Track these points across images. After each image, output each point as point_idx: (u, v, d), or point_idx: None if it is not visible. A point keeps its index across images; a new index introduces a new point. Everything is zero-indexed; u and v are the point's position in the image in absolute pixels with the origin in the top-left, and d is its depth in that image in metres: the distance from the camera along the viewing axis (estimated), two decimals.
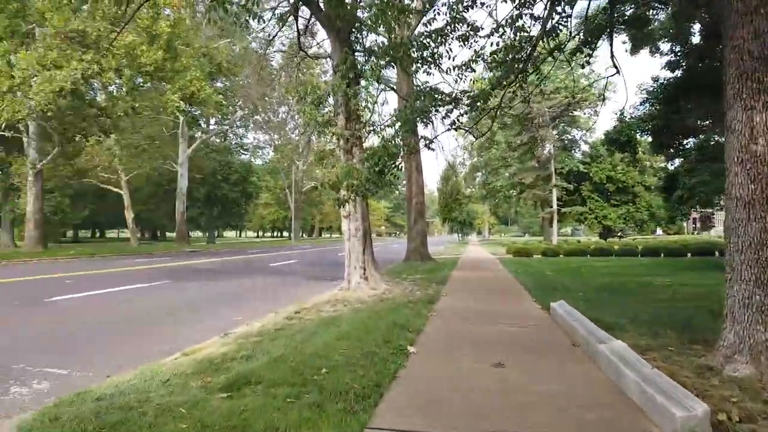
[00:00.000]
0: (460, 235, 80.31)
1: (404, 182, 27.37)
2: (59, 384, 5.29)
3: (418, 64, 7.72)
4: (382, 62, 7.36)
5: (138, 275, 16.28)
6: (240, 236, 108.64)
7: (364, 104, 10.94)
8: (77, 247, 35.61)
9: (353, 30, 11.95)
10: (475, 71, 6.99)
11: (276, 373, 4.80)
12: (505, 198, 54.78)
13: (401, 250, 26.75)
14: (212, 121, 50.58)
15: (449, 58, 7.25)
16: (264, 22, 11.20)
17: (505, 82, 6.41)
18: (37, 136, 28.06)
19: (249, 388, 4.45)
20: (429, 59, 7.08)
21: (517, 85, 6.64)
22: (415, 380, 4.78)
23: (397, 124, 6.77)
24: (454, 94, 6.84)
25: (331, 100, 12.19)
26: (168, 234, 71.81)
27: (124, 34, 21.05)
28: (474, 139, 57.15)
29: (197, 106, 27.52)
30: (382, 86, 14.42)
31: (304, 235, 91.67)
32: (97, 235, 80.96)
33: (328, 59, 14.68)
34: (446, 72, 7.02)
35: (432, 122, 7.07)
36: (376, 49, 10.21)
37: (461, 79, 7.01)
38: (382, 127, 7.33)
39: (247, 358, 5.52)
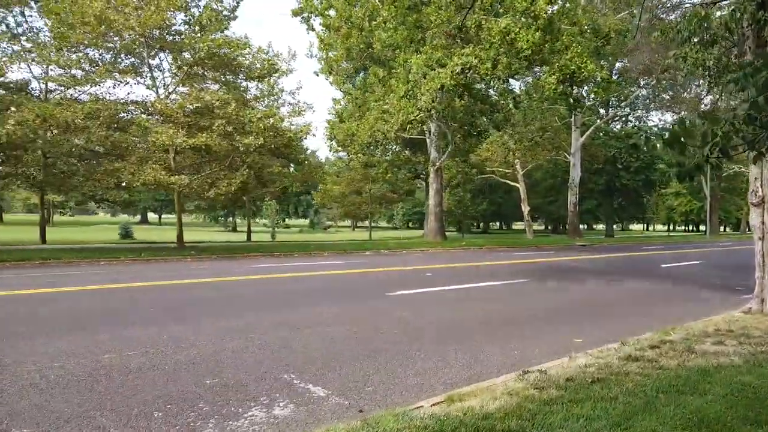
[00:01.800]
0: None
1: None
2: (302, 412, 4.32)
3: None
4: None
5: (502, 270, 15.28)
6: (647, 230, 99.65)
7: None
8: (470, 239, 37.85)
9: None
10: None
11: None
12: None
13: None
14: (608, 103, 46.92)
15: None
16: None
17: None
18: (436, 136, 30.66)
19: None
20: None
21: None
22: None
23: None
24: None
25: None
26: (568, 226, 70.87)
27: (498, 20, 20.51)
28: None
29: (579, 86, 25.13)
30: None
31: (727, 229, 77.52)
32: (504, 227, 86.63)
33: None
34: None
35: None
36: None
37: None
38: None
39: None
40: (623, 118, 52.35)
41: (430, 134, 31.33)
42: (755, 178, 8.34)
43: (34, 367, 5.27)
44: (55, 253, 17.84)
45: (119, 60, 22.87)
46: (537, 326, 7.41)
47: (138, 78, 21.73)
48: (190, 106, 19.42)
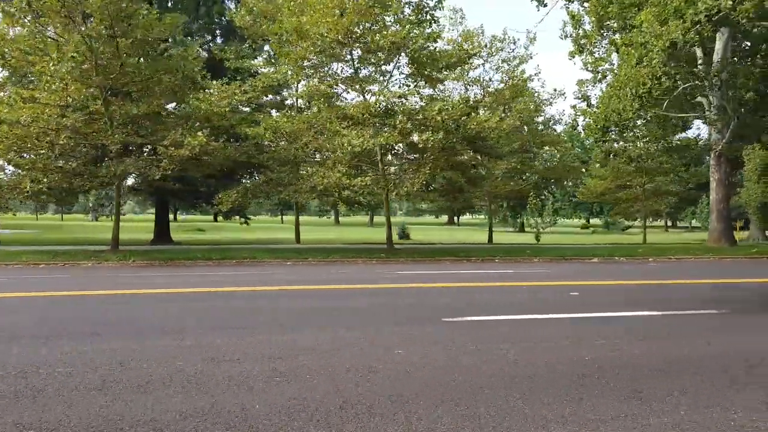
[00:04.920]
0: None
1: None
2: None
3: None
4: None
5: (722, 294, 10.43)
6: None
7: None
8: None
9: None
10: None
11: None
12: None
13: None
14: None
15: None
16: None
17: None
18: (715, 113, 23.63)
19: None
20: None
21: None
22: None
23: None
24: None
25: None
26: None
27: None
28: None
29: None
30: None
31: None
32: None
33: None
34: None
35: None
36: None
37: None
38: None
39: None
40: None
41: (709, 109, 24.37)
42: None
43: None
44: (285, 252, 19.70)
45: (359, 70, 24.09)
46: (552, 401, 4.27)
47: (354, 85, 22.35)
48: (381, 105, 19.13)
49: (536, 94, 30.24)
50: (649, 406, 4.23)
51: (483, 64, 28.91)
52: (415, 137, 17.25)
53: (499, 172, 28.67)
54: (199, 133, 16.53)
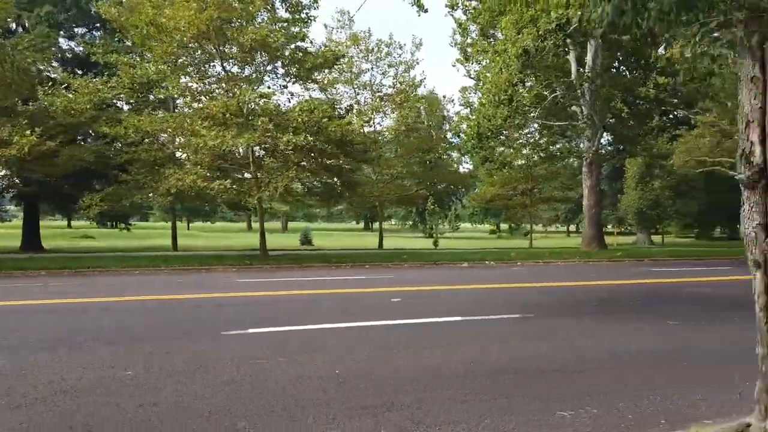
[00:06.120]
0: None
1: None
2: None
3: None
4: None
5: (525, 298, 10.36)
6: None
7: None
8: (646, 248, 30.03)
9: None
10: None
11: None
12: None
13: None
14: None
15: None
16: None
17: None
18: (586, 122, 24.54)
19: None
20: None
21: None
22: None
23: None
24: None
25: None
26: None
27: None
28: None
29: None
30: None
31: None
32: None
33: None
34: None
35: None
36: None
37: None
38: None
39: None
40: None
41: (581, 117, 25.29)
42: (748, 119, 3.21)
43: None
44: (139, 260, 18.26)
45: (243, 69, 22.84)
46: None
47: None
48: (245, 104, 18.28)
49: (427, 100, 30.41)
50: (373, 421, 3.83)
51: (372, 68, 28.69)
52: (285, 138, 16.34)
53: (393, 177, 28.49)
54: (28, 132, 14.96)
